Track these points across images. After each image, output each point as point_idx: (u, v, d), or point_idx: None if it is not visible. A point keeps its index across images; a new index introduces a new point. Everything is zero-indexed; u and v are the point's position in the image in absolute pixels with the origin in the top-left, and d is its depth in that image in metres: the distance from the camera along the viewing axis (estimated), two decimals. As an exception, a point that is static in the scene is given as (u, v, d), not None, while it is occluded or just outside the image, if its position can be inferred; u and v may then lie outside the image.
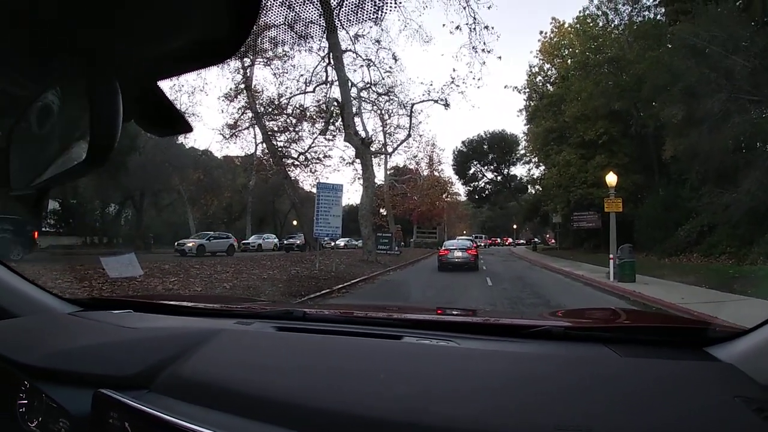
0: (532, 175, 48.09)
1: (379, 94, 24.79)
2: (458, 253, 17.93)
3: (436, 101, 24.04)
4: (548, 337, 1.27)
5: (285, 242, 30.17)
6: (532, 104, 32.64)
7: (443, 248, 18.84)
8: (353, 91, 23.65)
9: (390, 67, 23.03)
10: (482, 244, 54.61)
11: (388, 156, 29.54)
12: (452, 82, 25.43)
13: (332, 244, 29.32)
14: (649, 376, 0.98)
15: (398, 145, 27.16)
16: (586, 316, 1.99)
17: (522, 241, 64.72)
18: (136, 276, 8.72)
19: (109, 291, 7.73)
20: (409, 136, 25.41)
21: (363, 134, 20.89)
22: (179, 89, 22.69)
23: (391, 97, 24.47)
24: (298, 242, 28.69)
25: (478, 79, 52.22)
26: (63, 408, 1.14)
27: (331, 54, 19.07)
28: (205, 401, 1.05)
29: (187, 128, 0.62)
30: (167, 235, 30.62)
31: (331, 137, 25.92)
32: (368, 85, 23.67)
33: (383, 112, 25.49)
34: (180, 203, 33.62)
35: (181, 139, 32.12)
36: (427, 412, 0.90)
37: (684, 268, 15.22)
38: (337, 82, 19.32)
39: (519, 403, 0.92)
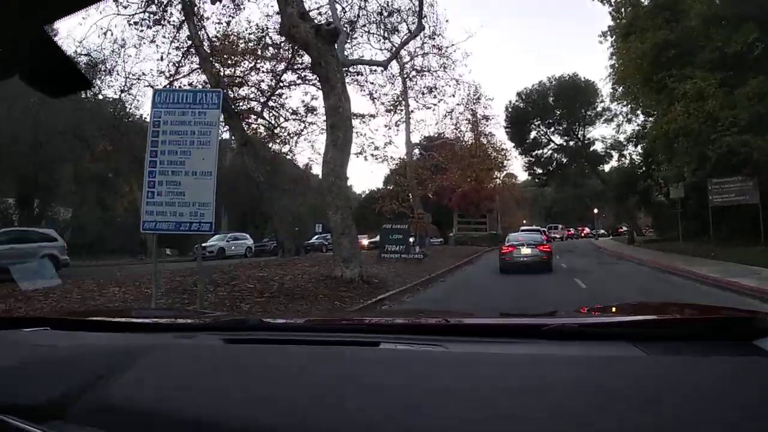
0: (623, 132, 35.01)
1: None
2: (526, 250, 14.29)
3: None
4: (560, 337, 1.08)
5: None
6: (624, 17, 21.20)
7: (507, 244, 15.10)
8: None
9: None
10: (558, 236, 41.29)
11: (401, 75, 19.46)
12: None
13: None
14: (685, 377, 0.82)
15: (403, 45, 17.26)
16: (608, 311, 1.66)
17: (602, 231, 50.58)
18: (52, 285, 7.95)
19: None
20: (420, 28, 15.41)
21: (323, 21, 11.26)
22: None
23: None
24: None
25: None
26: None
27: None
28: (132, 429, 0.90)
29: (85, 85, 0.55)
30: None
31: (315, 78, 16.48)
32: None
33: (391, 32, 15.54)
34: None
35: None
36: (404, 427, 0.75)
37: None
38: None
39: (520, 414, 0.74)
